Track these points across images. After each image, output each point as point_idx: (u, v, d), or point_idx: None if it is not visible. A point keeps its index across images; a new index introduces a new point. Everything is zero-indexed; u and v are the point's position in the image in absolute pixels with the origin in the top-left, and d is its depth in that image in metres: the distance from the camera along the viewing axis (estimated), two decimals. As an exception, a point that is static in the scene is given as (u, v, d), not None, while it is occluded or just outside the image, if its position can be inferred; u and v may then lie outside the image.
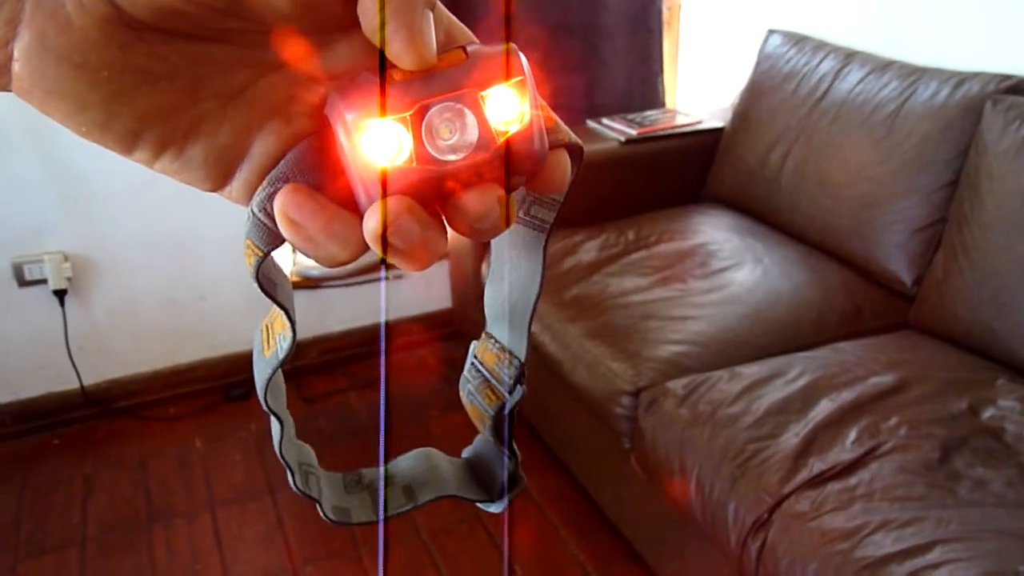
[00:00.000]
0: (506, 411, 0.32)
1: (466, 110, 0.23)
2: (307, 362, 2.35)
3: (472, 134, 0.23)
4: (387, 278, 2.40)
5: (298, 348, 2.31)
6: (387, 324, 2.46)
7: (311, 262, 2.27)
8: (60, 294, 2.03)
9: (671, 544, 1.53)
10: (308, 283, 2.29)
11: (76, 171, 1.98)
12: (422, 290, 2.46)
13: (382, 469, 0.34)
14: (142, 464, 2.02)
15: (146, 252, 2.11)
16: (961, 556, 1.08)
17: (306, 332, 2.34)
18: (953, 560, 1.07)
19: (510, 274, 0.31)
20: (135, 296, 2.14)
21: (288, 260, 2.31)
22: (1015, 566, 1.06)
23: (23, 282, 2.01)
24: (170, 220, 2.10)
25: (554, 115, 0.26)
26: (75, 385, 2.13)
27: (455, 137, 0.23)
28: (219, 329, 2.23)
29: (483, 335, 0.34)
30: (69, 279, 2.04)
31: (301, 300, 2.30)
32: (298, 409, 2.20)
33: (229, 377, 2.26)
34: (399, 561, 1.73)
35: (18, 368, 2.09)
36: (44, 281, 2.02)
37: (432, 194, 0.24)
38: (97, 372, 2.16)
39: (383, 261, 0.24)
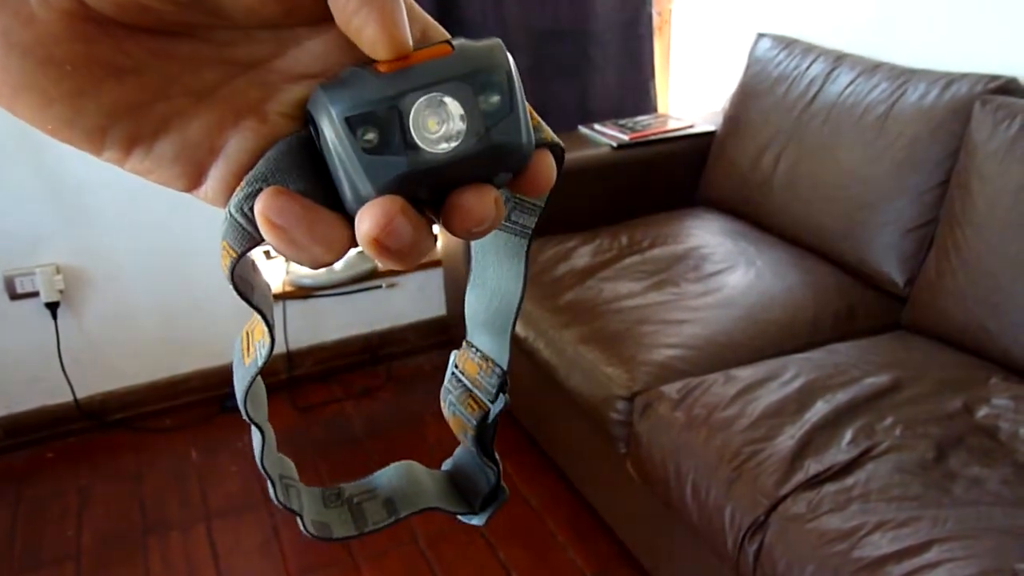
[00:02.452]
0: (489, 421, 0.32)
1: (453, 101, 0.23)
2: (302, 371, 2.34)
3: (459, 125, 0.23)
4: (381, 286, 2.40)
5: (293, 357, 2.31)
6: (382, 332, 2.45)
7: (304, 271, 2.27)
8: (52, 307, 2.03)
9: (668, 548, 1.53)
10: (302, 292, 2.29)
11: (68, 183, 1.98)
12: (416, 298, 2.45)
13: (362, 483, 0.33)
14: (137, 476, 2.02)
15: (139, 263, 2.11)
16: (958, 555, 1.08)
17: (301, 341, 2.34)
18: (950, 559, 1.07)
19: (491, 281, 0.31)
20: (129, 307, 2.13)
21: (281, 269, 2.30)
22: (1012, 564, 1.06)
23: (14, 295, 2.00)
24: (163, 231, 2.10)
25: (536, 114, 0.26)
26: (69, 398, 2.12)
27: (442, 129, 0.23)
28: (214, 340, 2.23)
29: (464, 344, 0.33)
30: (61, 291, 2.03)
31: (295, 310, 2.30)
32: (293, 419, 2.19)
33: (224, 388, 2.25)
34: (397, 568, 1.72)
35: (11, 382, 2.08)
36: (36, 294, 2.01)
37: (421, 189, 0.23)
38: (91, 384, 2.15)
39: (372, 274, 0.24)
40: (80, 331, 2.10)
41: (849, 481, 1.23)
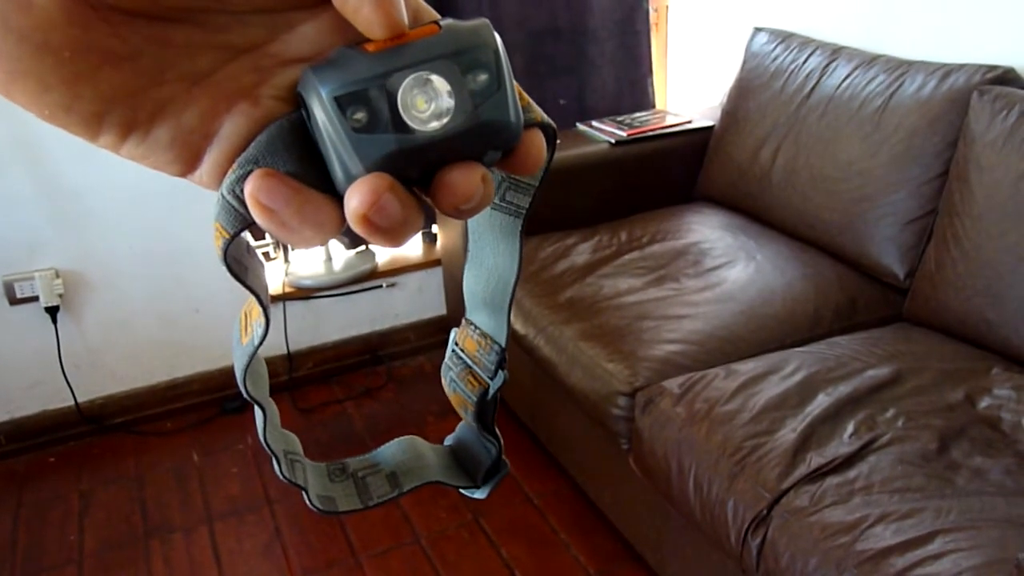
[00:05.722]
0: (488, 397, 0.32)
1: (441, 79, 0.23)
2: (303, 373, 2.34)
3: (447, 103, 0.23)
4: (381, 286, 2.40)
5: (294, 359, 2.30)
6: (382, 332, 2.45)
7: (304, 273, 2.27)
8: (52, 311, 2.02)
9: (672, 543, 1.53)
10: (302, 294, 2.28)
11: (67, 188, 1.97)
12: (416, 297, 2.45)
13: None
14: (139, 479, 2.01)
15: (138, 267, 2.10)
16: (962, 546, 1.07)
17: (301, 343, 2.33)
18: (954, 550, 1.07)
19: (488, 261, 0.31)
20: (128, 311, 2.13)
21: (281, 270, 2.30)
22: (1015, 554, 1.05)
23: (14, 300, 2.00)
24: (162, 234, 2.09)
25: (526, 94, 0.26)
26: (70, 402, 2.12)
27: (431, 107, 0.23)
28: (214, 342, 2.23)
29: (463, 322, 0.34)
30: (61, 296, 2.03)
31: (295, 311, 2.30)
32: (295, 420, 2.19)
33: (225, 390, 2.25)
34: (399, 567, 1.72)
35: (12, 387, 2.08)
36: (36, 299, 2.01)
37: (411, 168, 0.23)
38: (92, 389, 2.15)
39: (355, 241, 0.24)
40: (80, 335, 2.10)
41: (851, 473, 1.22)
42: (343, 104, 0.23)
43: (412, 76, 0.23)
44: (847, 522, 1.15)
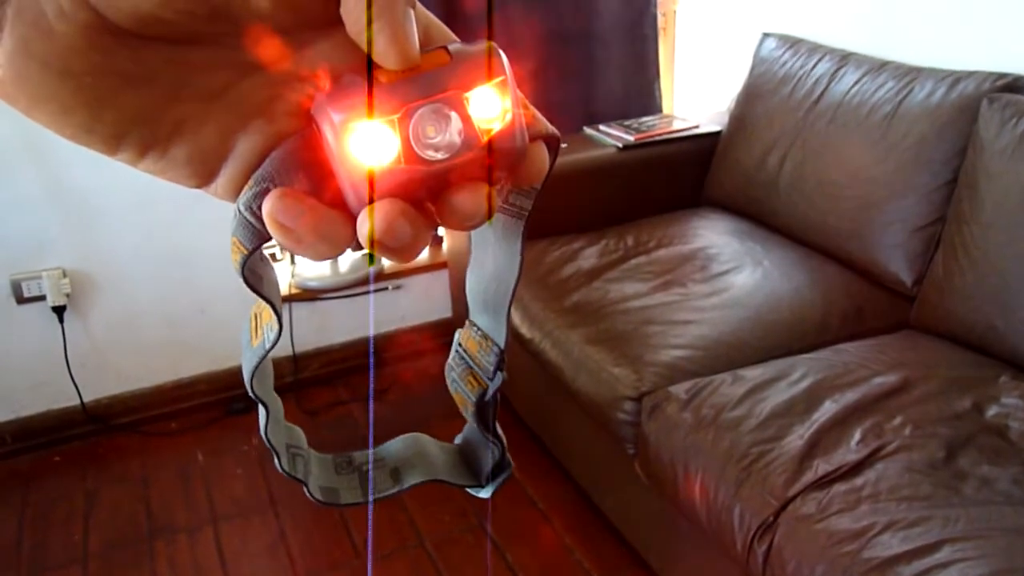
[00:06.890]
0: (486, 398, 0.33)
1: (451, 112, 0.24)
2: (308, 374, 2.34)
3: (457, 134, 0.24)
4: (387, 288, 2.40)
5: (299, 360, 2.31)
6: (388, 334, 2.45)
7: (311, 274, 2.27)
8: (59, 310, 2.03)
9: (677, 549, 1.52)
10: (308, 295, 2.29)
11: (74, 188, 1.98)
12: (422, 300, 2.45)
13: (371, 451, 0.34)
14: (144, 480, 2.02)
15: (145, 267, 2.11)
16: (969, 555, 1.07)
17: (307, 344, 2.34)
18: (961, 559, 1.07)
19: (490, 262, 0.32)
20: (135, 311, 2.13)
21: (287, 272, 2.30)
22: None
23: (22, 299, 2.01)
24: (169, 235, 2.10)
25: (532, 107, 0.27)
26: (75, 402, 2.12)
27: (440, 137, 0.24)
28: (219, 343, 2.23)
29: (467, 323, 0.34)
30: (68, 295, 2.03)
31: (301, 312, 2.30)
32: (300, 422, 2.15)
33: (230, 391, 2.25)
34: (404, 571, 1.71)
35: (18, 385, 2.08)
36: (43, 298, 2.01)
37: (420, 192, 0.24)
38: (97, 388, 2.15)
39: (370, 257, 0.24)
40: (86, 335, 2.10)
41: (859, 481, 1.22)
42: (355, 134, 0.23)
43: (424, 109, 0.24)
44: (854, 530, 1.14)
